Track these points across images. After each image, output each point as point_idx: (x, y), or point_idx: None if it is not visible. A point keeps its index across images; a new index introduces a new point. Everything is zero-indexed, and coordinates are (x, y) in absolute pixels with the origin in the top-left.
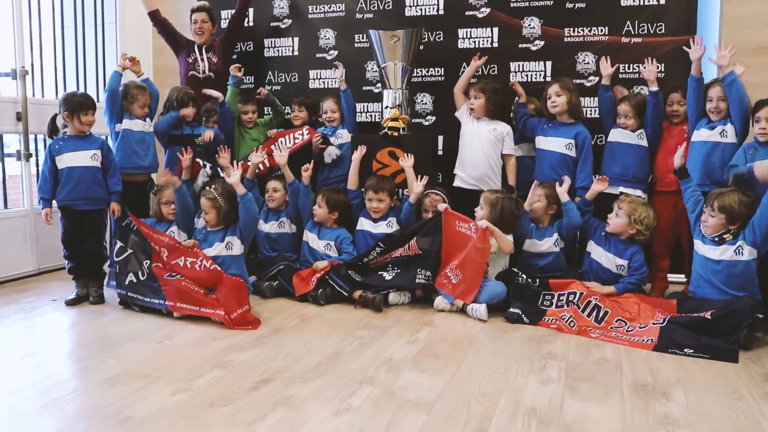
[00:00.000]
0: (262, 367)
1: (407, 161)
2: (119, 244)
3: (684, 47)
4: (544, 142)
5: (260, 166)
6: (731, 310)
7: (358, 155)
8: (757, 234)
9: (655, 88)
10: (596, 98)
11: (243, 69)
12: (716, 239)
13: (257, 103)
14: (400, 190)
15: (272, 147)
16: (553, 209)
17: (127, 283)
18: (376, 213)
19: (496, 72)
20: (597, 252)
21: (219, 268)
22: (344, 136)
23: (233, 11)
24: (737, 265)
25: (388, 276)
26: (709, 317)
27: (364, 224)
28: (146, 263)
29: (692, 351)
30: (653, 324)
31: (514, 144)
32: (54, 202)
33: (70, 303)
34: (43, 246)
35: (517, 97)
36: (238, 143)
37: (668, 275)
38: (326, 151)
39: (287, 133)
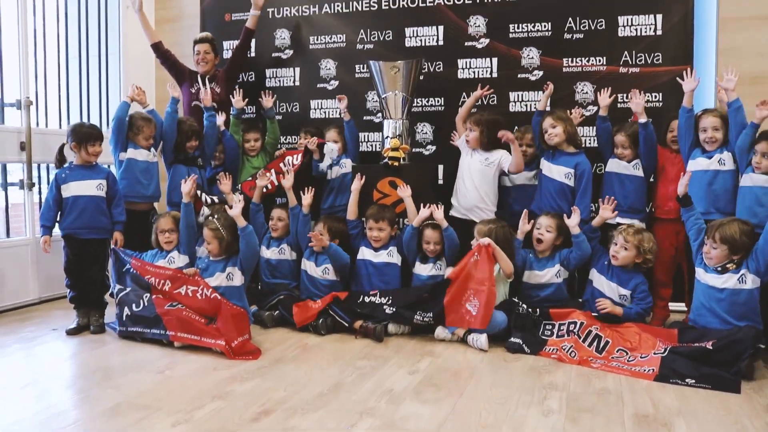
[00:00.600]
0: (263, 398)
1: (405, 191)
2: (118, 286)
3: (677, 78)
4: (546, 168)
5: (268, 185)
6: (732, 341)
7: (357, 185)
8: (760, 262)
9: (644, 119)
10: (595, 127)
11: (247, 99)
12: (719, 268)
13: (260, 131)
14: (401, 219)
15: (281, 165)
16: (560, 240)
17: (124, 318)
18: (376, 242)
19: (495, 102)
20: (599, 281)
21: (219, 297)
22: (347, 165)
23: (237, 42)
24: (740, 294)
25: (388, 310)
26: (711, 347)
27: (365, 253)
28: (146, 296)
29: (694, 381)
30: (654, 354)
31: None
32: (58, 230)
33: (71, 332)
34: (45, 275)
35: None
36: (240, 171)
37: (668, 304)
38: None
39: (294, 153)
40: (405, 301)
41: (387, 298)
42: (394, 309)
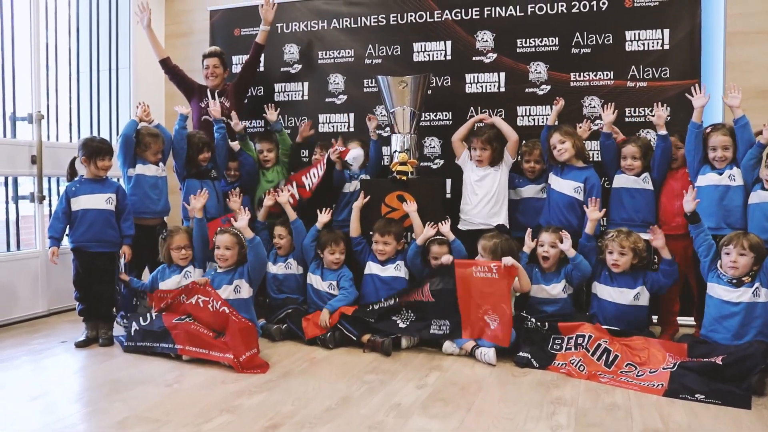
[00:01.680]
0: (271, 412)
1: (410, 207)
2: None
3: (686, 95)
4: (555, 183)
5: (290, 199)
6: (743, 356)
7: (359, 203)
8: None
9: (663, 132)
10: (599, 144)
11: (240, 123)
12: (734, 281)
13: (273, 141)
14: (408, 233)
15: (302, 179)
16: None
17: (133, 332)
18: (381, 255)
19: (503, 116)
20: (605, 292)
21: (228, 311)
22: None
23: (246, 57)
24: (756, 307)
25: (402, 323)
26: (720, 363)
27: (372, 268)
28: (154, 312)
29: (703, 396)
30: (664, 368)
31: (524, 186)
32: (67, 243)
33: (80, 345)
34: (55, 287)
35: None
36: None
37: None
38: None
39: (316, 164)
40: (413, 302)
41: (394, 300)
42: (407, 324)
